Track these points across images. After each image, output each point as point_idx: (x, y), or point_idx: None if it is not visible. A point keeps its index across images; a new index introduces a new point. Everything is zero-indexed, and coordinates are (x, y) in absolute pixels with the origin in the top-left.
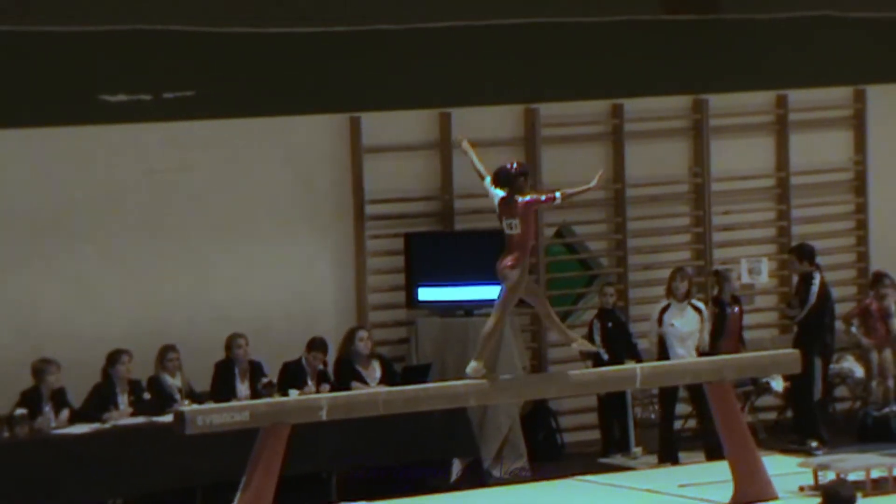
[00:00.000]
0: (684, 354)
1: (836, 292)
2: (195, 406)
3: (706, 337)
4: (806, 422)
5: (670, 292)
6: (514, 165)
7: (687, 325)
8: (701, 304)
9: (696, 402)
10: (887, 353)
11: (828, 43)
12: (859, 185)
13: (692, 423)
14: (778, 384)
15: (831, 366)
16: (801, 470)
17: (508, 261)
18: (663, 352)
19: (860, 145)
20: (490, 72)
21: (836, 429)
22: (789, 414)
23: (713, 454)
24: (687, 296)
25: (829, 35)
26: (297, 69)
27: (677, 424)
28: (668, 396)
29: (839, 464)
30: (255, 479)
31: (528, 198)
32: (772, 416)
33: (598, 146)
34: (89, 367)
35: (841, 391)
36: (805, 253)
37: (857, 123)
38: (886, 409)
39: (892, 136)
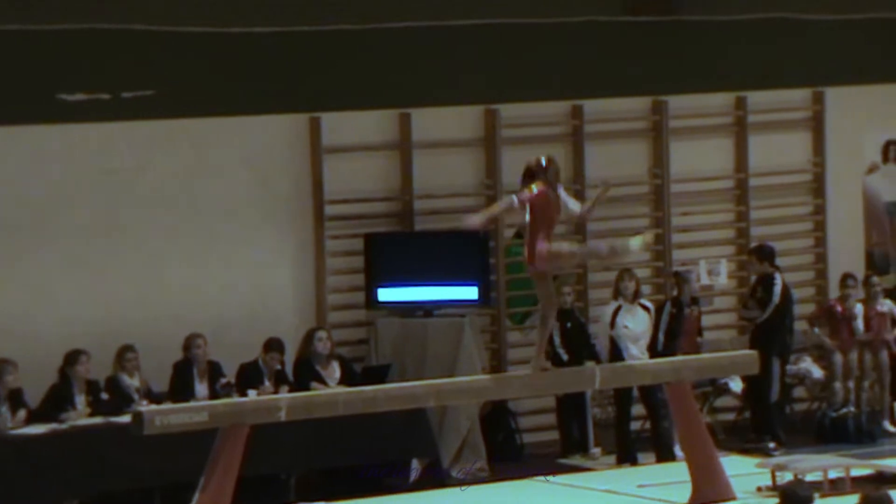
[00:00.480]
0: (638, 355)
1: (795, 294)
2: (153, 406)
3: (661, 336)
4: (764, 422)
5: (618, 293)
6: (534, 161)
7: (639, 325)
8: (650, 304)
9: (648, 403)
10: (853, 355)
11: (787, 45)
12: (818, 187)
13: (650, 424)
14: (736, 385)
15: (789, 366)
16: (759, 470)
17: (525, 252)
18: (616, 353)
19: (819, 147)
20: (450, 72)
21: (794, 429)
22: (748, 415)
23: (664, 455)
24: (636, 296)
25: (787, 37)
26: (256, 69)
27: (636, 425)
28: (622, 397)
29: (797, 464)
30: (214, 479)
31: (531, 192)
32: (730, 416)
33: (558, 147)
34: (47, 367)
35: (799, 392)
36: (765, 254)
37: (816, 125)
38: (844, 410)
39: (850, 138)
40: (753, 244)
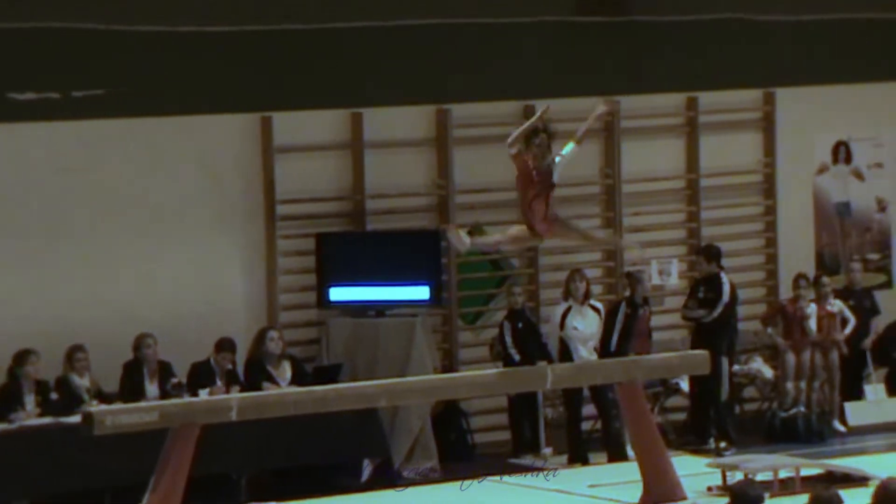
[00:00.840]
0: (587, 356)
1: (744, 294)
2: (104, 406)
3: (615, 337)
4: (714, 422)
5: (568, 294)
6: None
7: (589, 326)
8: (600, 305)
9: (599, 403)
10: (805, 356)
11: (738, 46)
12: (768, 188)
13: (601, 424)
14: (687, 385)
15: (739, 366)
16: (710, 470)
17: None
18: (566, 354)
19: (769, 148)
20: (402, 72)
21: (744, 429)
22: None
23: (615, 455)
24: (587, 297)
25: (739, 38)
26: (208, 68)
27: (588, 425)
28: (573, 397)
29: (747, 464)
30: (164, 479)
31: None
32: (681, 416)
33: None
34: None
35: (749, 392)
36: (713, 254)
37: (767, 126)
38: (794, 410)
39: (800, 139)
40: (704, 244)
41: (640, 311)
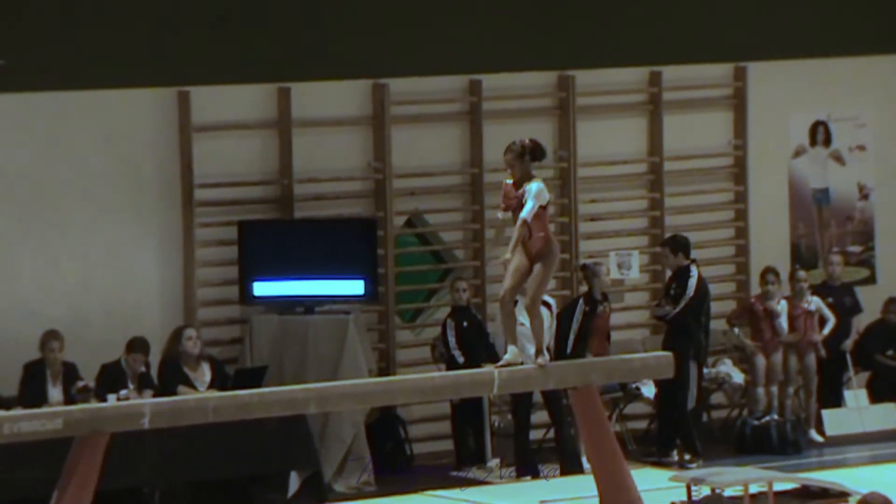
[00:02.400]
0: None
1: (712, 289)
2: (1, 412)
3: (571, 337)
4: (678, 432)
5: None
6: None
7: None
8: (551, 300)
9: (552, 409)
10: (776, 358)
11: (705, 14)
12: (739, 172)
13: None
14: (649, 390)
15: (707, 370)
16: (674, 485)
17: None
18: None
19: (740, 128)
20: (334, 42)
21: (711, 439)
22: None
23: (570, 466)
24: None
25: (707, 6)
26: (118, 37)
27: (538, 434)
28: (521, 403)
29: (715, 478)
30: (69, 494)
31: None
32: (642, 424)
33: (454, 126)
34: None
35: (717, 398)
36: (679, 245)
37: (738, 104)
38: (766, 418)
39: (775, 119)
40: (668, 234)
41: (599, 309)
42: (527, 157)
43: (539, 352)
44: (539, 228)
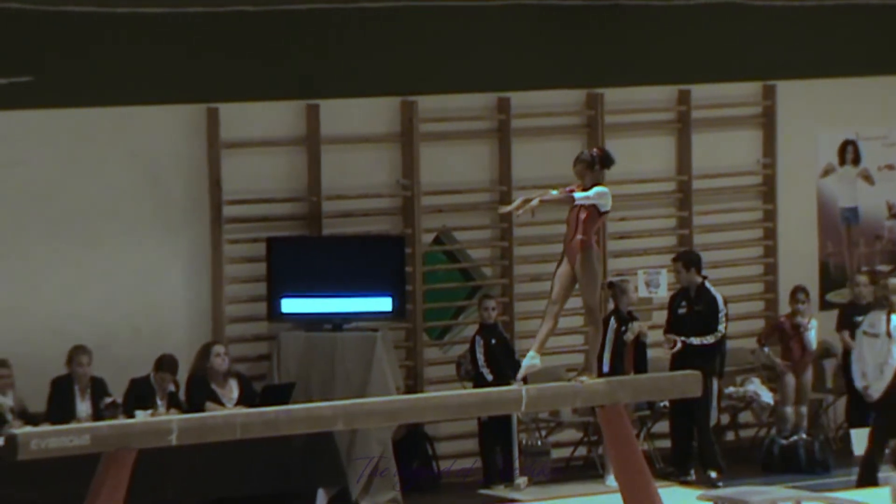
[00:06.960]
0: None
1: (741, 308)
2: (29, 428)
3: (607, 356)
4: (698, 451)
5: None
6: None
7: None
8: None
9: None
10: (806, 377)
11: (735, 34)
12: (768, 191)
13: (582, 450)
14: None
15: (734, 388)
16: (701, 503)
17: None
18: None
19: (769, 147)
20: (363, 60)
21: (739, 458)
22: (694, 443)
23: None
24: None
25: (736, 25)
26: (147, 54)
27: (565, 452)
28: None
29: (742, 496)
30: None
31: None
32: (670, 443)
33: (483, 144)
34: None
35: (745, 417)
36: (692, 261)
37: (767, 122)
38: (795, 437)
39: (803, 137)
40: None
41: (635, 326)
42: (597, 166)
43: (587, 368)
44: (583, 231)
